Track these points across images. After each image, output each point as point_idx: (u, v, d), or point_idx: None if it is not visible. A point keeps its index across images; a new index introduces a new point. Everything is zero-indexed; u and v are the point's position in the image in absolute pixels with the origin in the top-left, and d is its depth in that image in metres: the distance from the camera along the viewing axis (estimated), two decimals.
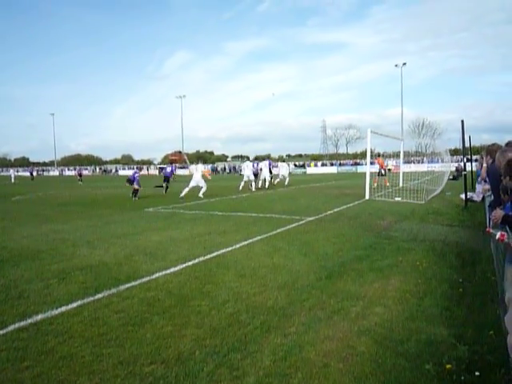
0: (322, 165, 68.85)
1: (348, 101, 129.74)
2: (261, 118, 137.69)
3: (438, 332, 3.39)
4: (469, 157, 11.77)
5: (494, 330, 3.26)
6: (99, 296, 4.47)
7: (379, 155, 24.56)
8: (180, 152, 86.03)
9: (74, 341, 3.36)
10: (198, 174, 18.72)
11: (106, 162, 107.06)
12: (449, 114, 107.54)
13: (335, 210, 11.75)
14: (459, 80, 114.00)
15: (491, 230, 3.16)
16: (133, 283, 4.93)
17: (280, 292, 4.53)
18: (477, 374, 2.68)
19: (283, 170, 25.59)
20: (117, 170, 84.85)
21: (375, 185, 19.41)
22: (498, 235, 2.87)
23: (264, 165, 22.90)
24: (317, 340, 3.31)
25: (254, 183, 21.12)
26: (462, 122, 11.18)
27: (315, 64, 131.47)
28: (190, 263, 5.87)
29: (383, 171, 21.19)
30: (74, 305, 4.21)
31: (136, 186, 17.49)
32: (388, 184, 19.47)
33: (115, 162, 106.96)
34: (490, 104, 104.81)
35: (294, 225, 9.13)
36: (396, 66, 59.79)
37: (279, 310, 4.01)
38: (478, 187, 11.94)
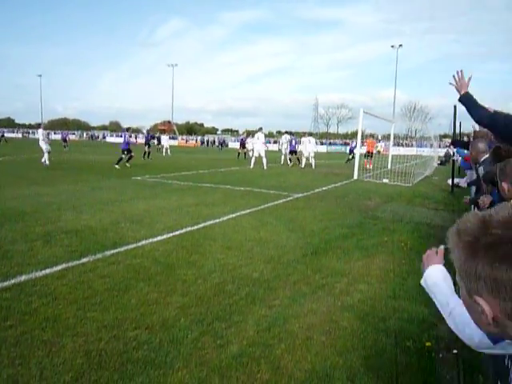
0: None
1: (342, 80, 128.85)
2: (253, 92, 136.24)
3: (419, 311, 3.46)
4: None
5: None
6: (84, 260, 4.44)
7: (372, 136, 24.33)
8: (169, 122, 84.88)
9: (58, 303, 3.35)
10: (259, 143, 18.47)
11: (94, 128, 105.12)
12: (441, 99, 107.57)
13: (323, 188, 11.79)
14: (455, 65, 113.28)
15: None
16: (119, 249, 4.90)
17: (266, 265, 4.56)
18: (454, 351, 2.76)
19: (310, 146, 20.53)
20: (104, 137, 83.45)
21: (367, 166, 19.48)
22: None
23: (285, 139, 21.92)
24: (300, 313, 3.36)
25: (264, 159, 18.46)
26: (455, 107, 11.16)
27: (311, 40, 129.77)
28: (177, 233, 5.85)
29: (370, 154, 21.16)
30: (59, 267, 4.18)
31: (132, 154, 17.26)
32: (369, 167, 19.44)
33: (103, 128, 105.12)
34: (483, 91, 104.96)
35: (281, 200, 9.14)
36: (392, 47, 59.21)
37: (264, 282, 4.04)
38: (469, 173, 12.07)
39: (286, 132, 24.06)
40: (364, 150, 20.90)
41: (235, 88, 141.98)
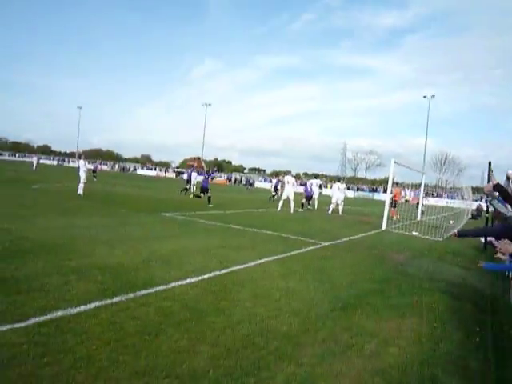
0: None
1: (371, 126, 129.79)
2: (281, 133, 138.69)
3: (453, 382, 3.35)
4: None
5: None
6: (116, 299, 4.54)
7: (396, 184, 24.04)
8: (199, 158, 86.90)
9: (92, 343, 3.42)
10: (289, 186, 18.72)
11: (126, 160, 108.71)
12: (472, 150, 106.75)
13: (351, 237, 11.69)
14: (487, 117, 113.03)
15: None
16: (149, 290, 4.99)
17: (294, 318, 4.53)
18: None
19: (339, 193, 20.47)
20: (135, 169, 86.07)
21: (394, 217, 19.23)
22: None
23: (315, 184, 22.21)
24: (330, 374, 3.31)
25: (292, 202, 18.50)
26: (490, 163, 11.04)
27: (341, 86, 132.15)
28: (206, 276, 5.91)
29: (394, 203, 20.88)
30: (92, 305, 4.28)
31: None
32: (395, 217, 19.21)
33: (134, 160, 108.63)
34: None
35: (309, 248, 9.11)
36: (425, 97, 59.63)
37: (293, 337, 4.01)
38: None
39: (315, 176, 24.33)
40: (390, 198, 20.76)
41: (263, 128, 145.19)
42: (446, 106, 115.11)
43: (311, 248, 9.16)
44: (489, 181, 11.51)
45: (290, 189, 19.00)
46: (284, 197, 19.02)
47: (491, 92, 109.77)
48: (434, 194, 49.01)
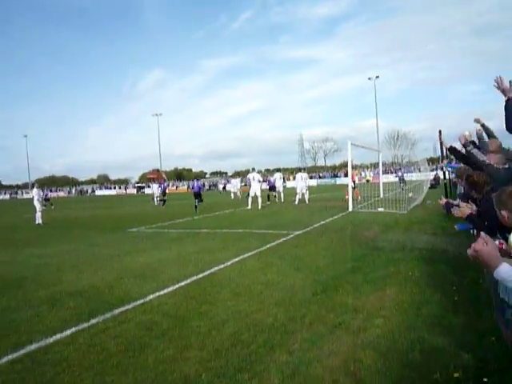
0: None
1: (323, 114, 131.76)
2: (237, 133, 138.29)
3: (439, 341, 3.42)
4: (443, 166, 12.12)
5: (496, 336, 3.33)
6: (93, 321, 4.34)
7: (354, 167, 24.56)
8: (158, 170, 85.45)
9: (74, 370, 3.24)
10: (254, 183, 18.74)
11: (82, 183, 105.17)
12: (422, 124, 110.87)
13: (321, 222, 11.84)
14: (430, 90, 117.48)
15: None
16: (127, 306, 4.81)
17: (278, 308, 4.50)
18: (485, 380, 2.72)
19: (302, 182, 20.82)
20: (93, 191, 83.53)
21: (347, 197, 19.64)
22: (497, 244, 2.96)
23: (279, 177, 22.25)
24: (322, 356, 3.30)
25: (260, 198, 18.75)
26: (440, 131, 11.51)
27: (289, 79, 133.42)
28: (183, 283, 5.78)
29: (353, 183, 21.31)
30: (68, 332, 4.07)
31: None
32: (359, 196, 19.70)
33: (91, 182, 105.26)
34: (460, 113, 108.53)
35: (282, 239, 9.13)
36: (369, 79, 61.47)
37: (280, 326, 3.98)
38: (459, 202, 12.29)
39: (277, 170, 24.42)
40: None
41: (219, 131, 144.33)
42: (390, 85, 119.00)
43: (284, 239, 9.19)
44: (441, 147, 12.00)
45: (256, 185, 19.02)
46: (251, 194, 19.01)
47: (430, 66, 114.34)
48: (394, 170, 50.62)
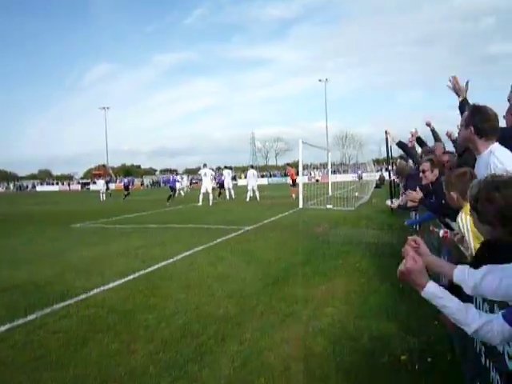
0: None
1: (275, 114, 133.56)
2: (188, 130, 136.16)
3: (387, 327, 3.53)
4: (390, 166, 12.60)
5: (438, 320, 3.47)
6: (31, 317, 4.05)
7: (288, 165, 24.47)
8: (104, 166, 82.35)
9: (6, 368, 3.00)
10: (207, 178, 18.60)
11: (22, 178, 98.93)
12: (369, 127, 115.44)
13: (272, 219, 11.91)
14: (378, 94, 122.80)
15: (435, 229, 3.42)
16: (68, 301, 4.54)
17: (229, 300, 4.44)
18: (429, 360, 2.83)
19: (253, 179, 20.82)
20: (34, 186, 78.92)
21: (293, 195, 20.04)
22: (442, 232, 3.09)
23: (227, 174, 21.80)
24: (274, 344, 3.28)
25: (211, 195, 18.70)
26: (386, 131, 11.93)
27: (242, 78, 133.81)
28: (131, 277, 5.56)
29: (292, 182, 21.62)
30: (2, 329, 3.77)
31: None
32: (294, 195, 20.09)
33: (32, 177, 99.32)
34: (405, 117, 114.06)
35: (233, 234, 9.08)
36: (320, 80, 62.97)
37: (231, 318, 3.92)
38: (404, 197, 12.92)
39: (226, 167, 24.15)
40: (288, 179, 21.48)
41: (170, 127, 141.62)
42: (340, 88, 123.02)
43: (235, 234, 9.14)
44: (387, 146, 12.46)
45: (208, 181, 18.81)
46: (203, 190, 18.78)
47: (378, 71, 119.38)
48: (342, 171, 52.26)
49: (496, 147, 2.72)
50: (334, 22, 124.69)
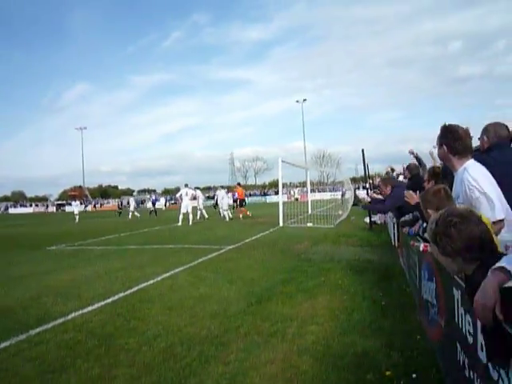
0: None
1: (254, 134, 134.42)
2: (168, 151, 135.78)
3: (371, 343, 3.53)
4: (368, 184, 12.86)
5: (420, 334, 3.51)
6: (5, 345, 3.88)
7: (239, 184, 24.14)
8: (80, 187, 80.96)
9: None
10: (186, 199, 18.33)
11: None
12: (345, 147, 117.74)
13: (253, 237, 11.89)
14: (352, 115, 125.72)
15: (415, 244, 3.48)
16: (45, 326, 4.38)
17: (212, 321, 4.38)
18: (414, 376, 2.84)
19: (226, 199, 21.10)
20: (6, 208, 76.66)
21: (241, 215, 20.20)
22: (422, 246, 3.15)
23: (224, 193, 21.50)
24: (259, 364, 3.23)
25: (191, 215, 18.55)
26: (363, 150, 12.24)
27: (221, 99, 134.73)
28: (110, 300, 5.42)
29: (239, 201, 21.53)
30: None
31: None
32: (241, 215, 20.30)
33: (4, 199, 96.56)
34: (379, 137, 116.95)
35: (214, 254, 9.00)
36: (297, 101, 64.23)
37: (215, 338, 3.86)
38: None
39: (222, 186, 23.91)
40: (232, 199, 21.41)
41: (149, 148, 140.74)
42: (316, 108, 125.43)
43: (216, 253, 9.06)
44: (364, 166, 12.74)
45: (188, 201, 18.70)
46: (183, 210, 18.63)
47: (352, 93, 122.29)
48: (319, 189, 52.79)
49: (470, 164, 2.83)
50: (311, 45, 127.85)
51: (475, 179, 2.67)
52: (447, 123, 2.93)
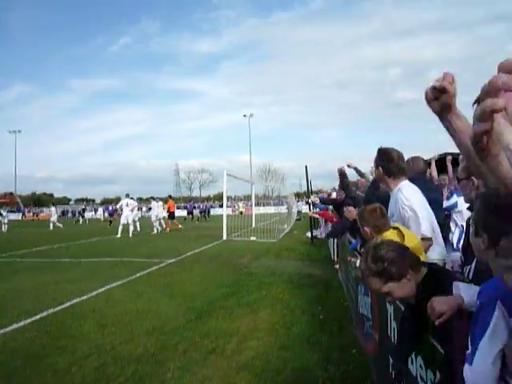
0: (177, 208, 68.53)
1: (201, 146, 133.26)
2: (110, 159, 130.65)
3: (309, 357, 3.58)
4: (311, 199, 13.19)
5: (356, 348, 3.61)
6: None
7: (170, 197, 23.70)
8: (12, 194, 75.54)
9: None
10: (127, 210, 17.62)
11: None
12: (290, 162, 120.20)
13: (195, 250, 11.70)
14: (298, 132, 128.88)
15: (352, 259, 3.60)
16: None
17: (149, 338, 4.22)
18: None
19: (158, 210, 20.06)
20: None
21: (167, 229, 19.98)
22: (358, 262, 3.27)
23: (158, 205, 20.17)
24: (196, 382, 3.16)
25: (131, 226, 17.87)
26: (306, 167, 12.58)
27: (169, 109, 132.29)
28: (38, 317, 5.06)
29: (169, 214, 20.95)
30: None
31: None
32: (168, 228, 20.06)
33: None
34: (323, 154, 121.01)
35: (154, 268, 8.73)
36: (244, 116, 64.77)
37: (151, 356, 3.72)
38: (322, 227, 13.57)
39: (152, 198, 22.78)
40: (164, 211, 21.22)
41: (90, 155, 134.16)
42: (263, 124, 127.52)
43: (156, 267, 8.80)
44: (307, 182, 13.08)
45: (129, 212, 18.05)
46: (123, 221, 17.95)
47: (298, 110, 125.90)
48: (264, 203, 53.31)
49: (404, 185, 3.00)
50: (260, 61, 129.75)
51: (408, 199, 2.83)
52: (383, 146, 3.09)
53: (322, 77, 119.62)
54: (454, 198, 4.64)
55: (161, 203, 20.47)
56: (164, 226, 20.18)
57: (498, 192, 0.73)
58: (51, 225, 26.54)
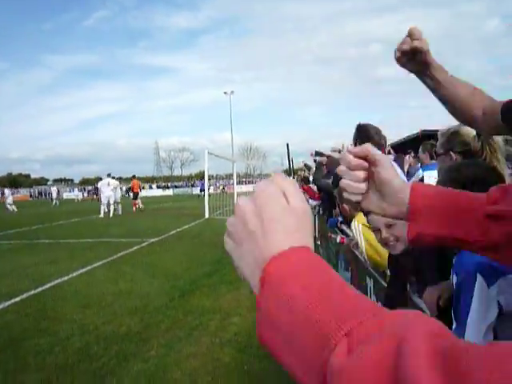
0: (158, 187, 68.05)
1: (181, 124, 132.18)
2: (88, 138, 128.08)
3: None
4: (292, 177, 13.24)
5: None
6: None
7: (134, 177, 23.26)
8: None
9: None
10: (108, 190, 17.20)
11: None
12: (272, 140, 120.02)
13: (177, 229, 11.68)
14: (280, 109, 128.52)
15: (332, 236, 3.64)
16: None
17: (132, 317, 4.23)
18: None
19: (108, 190, 17.95)
20: None
21: (134, 208, 19.94)
22: (339, 239, 3.31)
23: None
24: (180, 359, 3.19)
25: (112, 206, 17.57)
26: (287, 144, 12.53)
27: (148, 85, 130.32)
28: (18, 299, 5.00)
29: (134, 194, 21.06)
30: None
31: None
32: (134, 208, 20.07)
33: None
34: (304, 131, 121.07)
35: (135, 247, 8.69)
36: (225, 93, 63.83)
37: (134, 335, 3.73)
38: None
39: (108, 174, 21.44)
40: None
41: (67, 134, 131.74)
42: (245, 101, 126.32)
43: (138, 247, 8.76)
44: (289, 160, 13.08)
45: (110, 192, 17.74)
46: (104, 200, 17.67)
47: (279, 87, 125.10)
48: (247, 181, 53.45)
49: None
50: (240, 37, 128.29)
51: None
52: (361, 122, 3.09)
53: (303, 53, 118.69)
54: (420, 173, 4.73)
55: (117, 182, 19.24)
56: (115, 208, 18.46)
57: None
58: (9, 207, 24.46)
